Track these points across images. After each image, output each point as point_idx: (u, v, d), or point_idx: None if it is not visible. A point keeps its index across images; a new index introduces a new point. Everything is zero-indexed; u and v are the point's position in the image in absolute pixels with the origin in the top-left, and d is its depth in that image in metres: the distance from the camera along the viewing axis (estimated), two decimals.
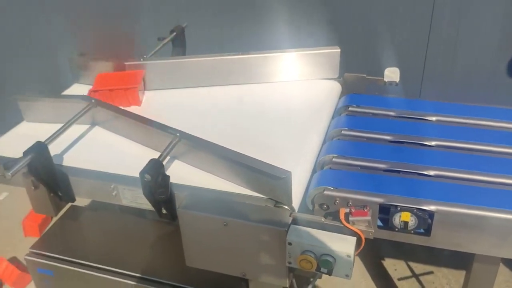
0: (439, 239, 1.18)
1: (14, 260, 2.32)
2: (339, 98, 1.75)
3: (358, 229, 1.10)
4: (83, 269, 1.47)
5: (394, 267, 2.38)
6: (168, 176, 1.18)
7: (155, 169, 1.15)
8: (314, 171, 1.37)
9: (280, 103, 1.67)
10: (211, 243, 1.20)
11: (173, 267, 1.46)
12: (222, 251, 1.21)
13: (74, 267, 1.47)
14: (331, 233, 1.11)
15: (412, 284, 2.29)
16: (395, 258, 2.42)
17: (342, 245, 1.07)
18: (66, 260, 1.49)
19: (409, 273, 2.34)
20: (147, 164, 1.15)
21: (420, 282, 2.29)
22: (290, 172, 1.13)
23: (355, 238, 1.09)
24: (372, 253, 2.47)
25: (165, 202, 1.18)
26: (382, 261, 2.43)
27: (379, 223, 1.21)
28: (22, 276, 2.21)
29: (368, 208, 1.12)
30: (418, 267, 2.37)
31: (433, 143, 1.41)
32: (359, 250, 1.14)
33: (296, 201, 1.23)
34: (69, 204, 1.72)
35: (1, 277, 2.25)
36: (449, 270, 2.33)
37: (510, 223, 1.11)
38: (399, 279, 2.31)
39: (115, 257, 1.50)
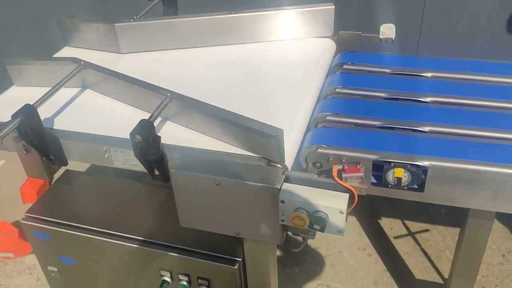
0: (432, 195, 1.18)
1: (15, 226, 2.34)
2: (334, 56, 1.71)
3: (351, 186, 1.09)
4: (80, 232, 1.48)
5: (390, 225, 2.41)
6: (159, 137, 1.17)
7: (146, 130, 1.14)
8: (308, 130, 1.36)
9: (273, 62, 1.63)
10: (204, 203, 1.20)
11: (169, 228, 1.47)
12: (215, 210, 1.21)
13: (70, 230, 1.48)
14: (324, 190, 1.11)
15: (408, 242, 2.32)
16: (391, 217, 2.45)
17: (335, 202, 1.07)
18: (62, 223, 1.50)
19: (405, 232, 2.37)
20: (137, 125, 1.14)
21: (416, 240, 2.32)
22: (282, 130, 1.11)
23: (347, 194, 1.09)
24: (369, 212, 2.49)
25: (157, 163, 1.17)
26: (379, 220, 2.45)
27: (373, 180, 1.21)
28: (24, 243, 2.24)
29: (361, 164, 1.11)
30: (414, 226, 2.40)
31: (428, 99, 1.39)
32: (352, 207, 1.14)
33: (289, 160, 1.23)
34: (65, 169, 1.73)
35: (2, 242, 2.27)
36: (445, 228, 2.36)
37: (504, 176, 1.10)
38: (395, 238, 2.34)
39: (112, 219, 1.51)
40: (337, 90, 1.47)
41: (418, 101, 1.39)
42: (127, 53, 1.72)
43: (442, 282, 2.12)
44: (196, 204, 1.22)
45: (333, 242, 2.36)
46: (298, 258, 2.29)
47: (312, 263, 2.28)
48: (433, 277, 2.15)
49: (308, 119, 1.39)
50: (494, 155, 1.15)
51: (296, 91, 1.47)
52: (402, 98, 1.40)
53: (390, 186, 1.18)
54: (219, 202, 1.18)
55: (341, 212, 1.06)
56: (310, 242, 2.38)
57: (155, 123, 1.25)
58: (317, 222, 1.07)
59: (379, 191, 1.21)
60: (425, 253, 2.26)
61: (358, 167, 1.11)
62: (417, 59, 1.62)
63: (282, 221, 1.13)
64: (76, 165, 1.43)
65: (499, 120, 1.26)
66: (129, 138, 1.14)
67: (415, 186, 1.18)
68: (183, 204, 1.23)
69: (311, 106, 1.43)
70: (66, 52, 1.78)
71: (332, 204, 1.06)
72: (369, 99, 1.42)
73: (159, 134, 1.26)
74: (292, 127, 1.31)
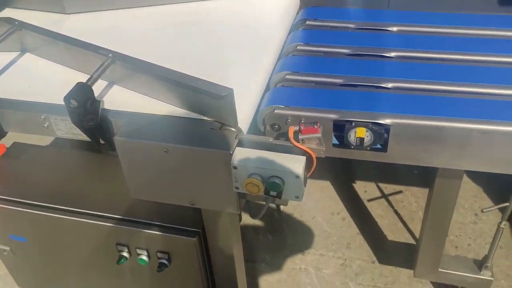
0: (396, 155, 1.11)
1: None
2: (297, 12, 1.60)
3: (308, 148, 1.01)
4: (28, 208, 1.39)
5: (364, 189, 2.37)
6: (99, 101, 1.06)
7: (83, 94, 1.03)
8: (267, 90, 1.26)
9: (232, 20, 1.52)
10: (153, 172, 1.12)
11: (124, 201, 1.39)
12: (166, 180, 1.12)
13: (17, 207, 1.39)
14: (279, 154, 1.02)
15: (381, 204, 2.29)
16: (366, 180, 2.41)
17: (290, 166, 0.99)
18: (8, 200, 1.40)
19: (378, 194, 2.33)
20: (72, 88, 1.03)
21: (389, 201, 2.29)
22: (232, 89, 1.02)
23: (304, 157, 1.01)
24: (342, 176, 2.44)
25: (97, 130, 1.07)
26: (353, 184, 2.41)
27: (335, 141, 1.14)
28: None
29: (318, 125, 1.03)
30: (388, 188, 2.36)
31: (392, 54, 1.30)
32: (311, 171, 1.06)
33: (247, 123, 1.14)
34: (12, 141, 1.62)
35: None
36: (418, 189, 2.33)
37: (468, 132, 1.04)
38: (368, 200, 2.31)
39: (63, 194, 1.42)
40: (298, 47, 1.37)
41: (382, 57, 1.30)
42: (73, 13, 1.58)
43: (414, 242, 2.10)
44: (145, 174, 1.13)
45: (307, 208, 2.31)
46: (271, 226, 2.24)
47: (286, 230, 2.24)
48: (406, 238, 2.13)
49: (267, 79, 1.29)
50: (458, 110, 1.08)
51: (255, 49, 1.37)
52: (366, 54, 1.31)
53: (352, 147, 1.11)
54: (169, 170, 1.10)
55: (298, 177, 0.98)
56: (284, 208, 2.33)
57: (97, 87, 1.14)
58: (272, 188, 1.00)
59: (340, 153, 1.14)
60: (398, 215, 2.23)
61: (316, 127, 1.02)
62: (383, 13, 1.52)
63: (237, 188, 1.05)
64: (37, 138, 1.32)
65: (464, 73, 1.19)
66: None
67: (378, 146, 1.11)
68: (131, 174, 1.14)
69: (271, 65, 1.34)
70: (6, 13, 1.62)
71: (287, 169, 0.98)
72: (332, 56, 1.32)
73: (103, 99, 1.16)
74: (250, 88, 1.22)
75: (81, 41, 1.22)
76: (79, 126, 1.06)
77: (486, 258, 1.61)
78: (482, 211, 1.47)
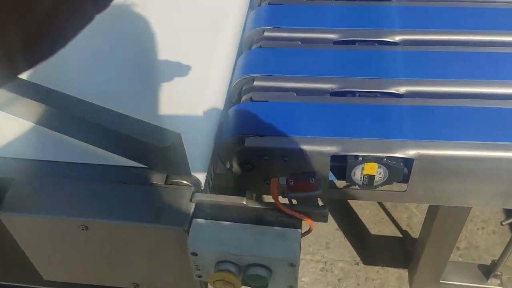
0: (419, 194, 0.79)
1: None
2: None
3: (303, 215, 0.66)
4: None
5: None
6: None
7: None
8: (228, 106, 0.89)
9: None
10: (69, 253, 0.74)
11: None
12: (90, 261, 0.75)
13: None
14: (261, 227, 0.67)
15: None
16: None
17: (281, 249, 0.64)
18: None
19: None
20: None
21: None
22: (179, 134, 0.64)
23: (299, 230, 0.66)
24: None
25: None
26: None
27: (332, 176, 0.80)
28: None
29: (315, 178, 0.67)
30: None
31: (397, 38, 0.94)
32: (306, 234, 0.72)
33: (205, 159, 0.78)
34: None
35: None
36: None
37: None
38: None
39: None
40: (265, 33, 0.98)
41: (384, 43, 0.94)
42: None
43: (400, 235, 1.86)
44: (57, 255, 0.75)
45: None
46: None
47: None
48: (391, 230, 1.88)
49: (227, 88, 0.91)
50: (506, 131, 0.76)
51: (204, 39, 0.97)
52: (360, 40, 0.95)
53: (358, 186, 0.78)
54: (93, 251, 0.73)
55: (292, 265, 0.63)
56: None
57: None
58: (255, 282, 0.65)
59: (342, 195, 0.82)
60: (379, 202, 1.97)
61: (312, 182, 0.67)
62: None
63: (200, 277, 0.70)
64: None
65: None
66: None
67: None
68: (36, 256, 0.76)
69: (228, 64, 0.95)
70: None
71: (276, 254, 0.64)
72: (313, 46, 0.95)
73: None
74: (204, 105, 0.84)
75: None
76: None
77: (495, 265, 1.37)
78: (501, 224, 1.20)
